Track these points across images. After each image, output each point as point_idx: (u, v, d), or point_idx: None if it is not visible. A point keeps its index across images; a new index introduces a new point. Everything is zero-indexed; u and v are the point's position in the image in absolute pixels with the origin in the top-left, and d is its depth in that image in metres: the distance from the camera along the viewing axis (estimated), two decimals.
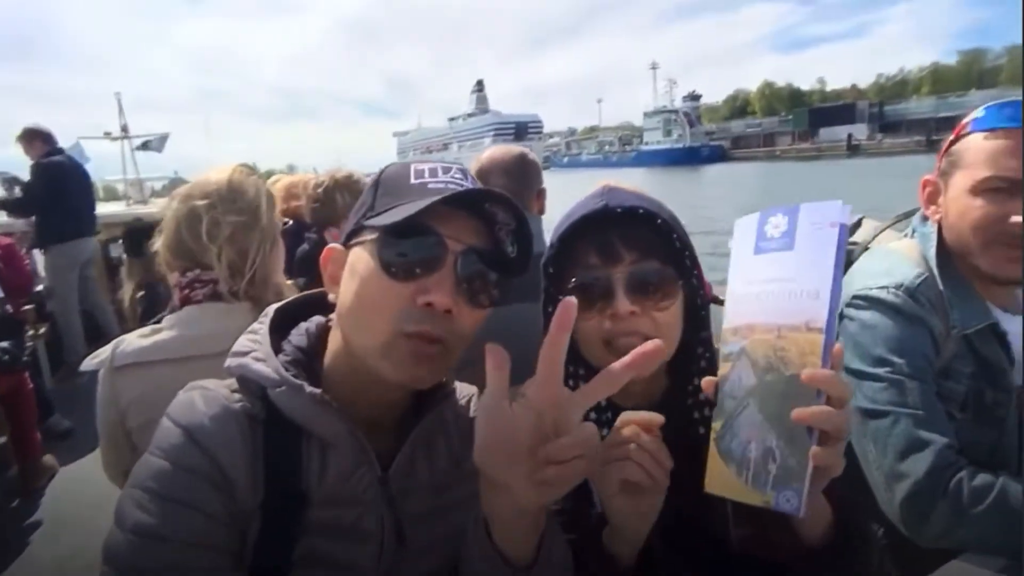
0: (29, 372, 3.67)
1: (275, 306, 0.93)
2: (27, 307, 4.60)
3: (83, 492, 3.23)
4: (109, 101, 9.26)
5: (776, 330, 0.68)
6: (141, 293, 2.64)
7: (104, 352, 1.33)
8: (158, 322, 1.42)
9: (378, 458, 0.84)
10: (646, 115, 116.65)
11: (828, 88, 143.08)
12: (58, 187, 5.01)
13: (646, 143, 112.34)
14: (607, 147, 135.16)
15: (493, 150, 1.93)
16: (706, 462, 0.75)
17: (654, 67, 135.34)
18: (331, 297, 0.88)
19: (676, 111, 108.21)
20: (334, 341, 0.88)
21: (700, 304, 0.97)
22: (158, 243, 1.45)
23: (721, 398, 0.75)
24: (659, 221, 0.91)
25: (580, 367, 0.98)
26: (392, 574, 0.84)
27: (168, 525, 0.71)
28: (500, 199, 0.81)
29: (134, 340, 1.34)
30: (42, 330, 4.77)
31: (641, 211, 0.91)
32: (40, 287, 5.21)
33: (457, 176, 0.84)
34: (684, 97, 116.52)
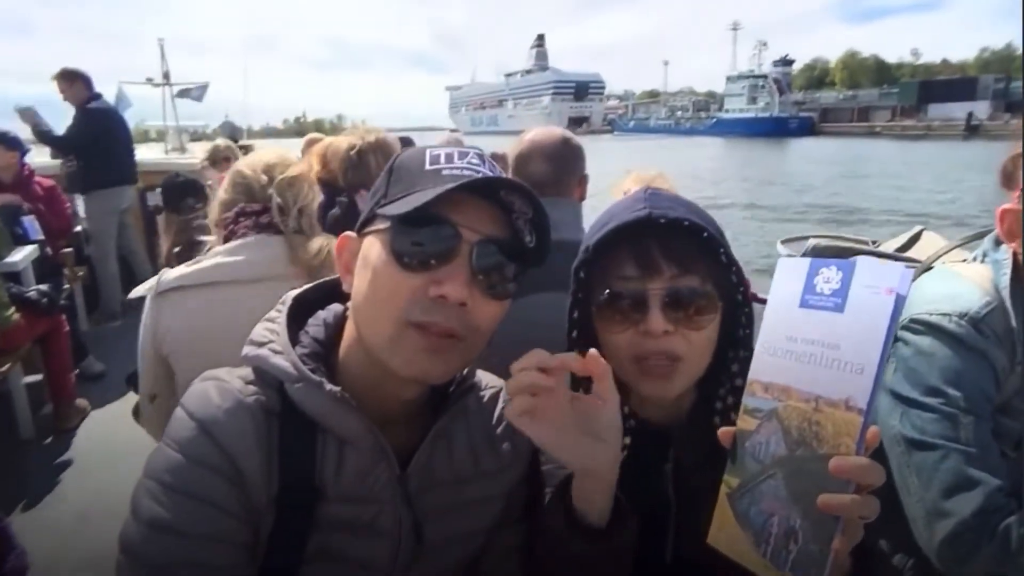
0: (65, 314, 4.00)
1: (292, 293, 0.97)
2: (66, 250, 4.98)
3: (112, 435, 3.59)
4: (155, 46, 9.82)
5: (814, 400, 0.69)
6: (178, 249, 2.86)
7: (151, 281, 1.59)
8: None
9: (396, 454, 0.87)
10: (728, 79, 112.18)
11: (919, 62, 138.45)
12: (102, 134, 5.35)
13: (727, 110, 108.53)
14: (679, 112, 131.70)
15: (534, 133, 1.93)
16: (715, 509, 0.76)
17: (735, 28, 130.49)
18: (345, 287, 0.90)
19: (765, 76, 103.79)
20: (349, 333, 0.90)
21: (745, 321, 0.96)
22: (211, 210, 1.82)
23: (742, 455, 0.75)
24: (705, 234, 0.90)
25: None
26: (408, 570, 0.89)
27: (181, 519, 0.76)
28: (516, 187, 0.82)
29: (179, 269, 1.59)
30: (80, 273, 5.16)
31: (687, 223, 0.89)
32: (79, 228, 5.62)
33: (474, 162, 0.84)
34: (775, 62, 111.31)
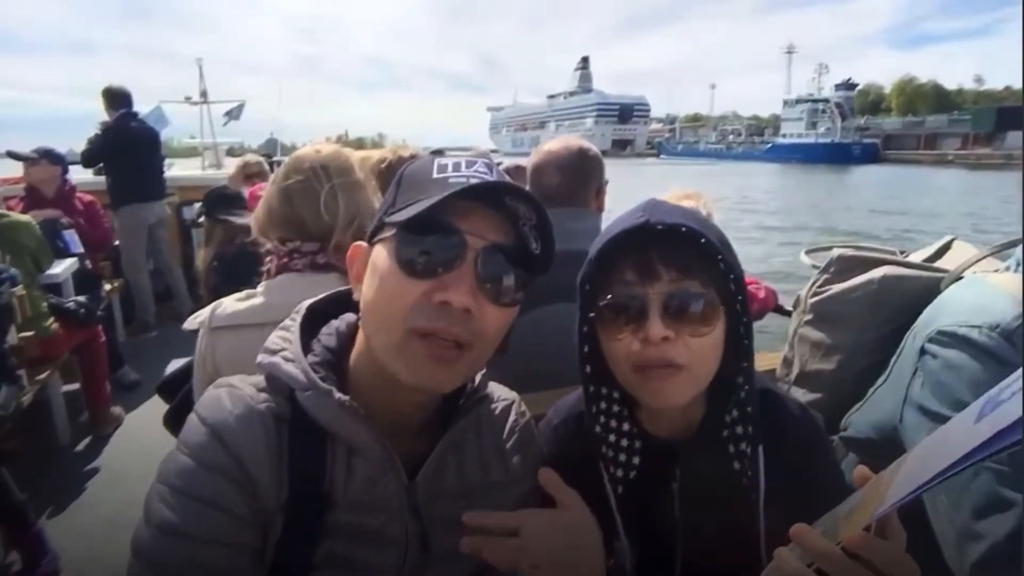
0: (103, 325, 4.28)
1: (307, 303, 1.00)
2: (104, 262, 5.34)
3: (143, 443, 3.79)
4: (210, 64, 10.70)
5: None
6: (216, 263, 3.03)
7: (204, 313, 1.65)
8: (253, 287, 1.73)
9: (405, 463, 0.90)
10: (785, 103, 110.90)
11: (982, 88, 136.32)
12: (125, 151, 5.71)
13: (784, 135, 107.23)
14: (730, 136, 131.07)
15: (551, 144, 2.00)
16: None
17: (790, 51, 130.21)
18: (355, 296, 0.94)
19: (827, 100, 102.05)
20: (359, 342, 0.93)
21: (744, 332, 0.97)
22: (256, 212, 1.74)
23: None
24: (703, 240, 0.92)
25: (614, 389, 1.03)
26: None
27: (191, 523, 0.79)
28: (520, 193, 0.85)
29: (231, 304, 1.63)
30: (117, 284, 5.52)
31: (684, 229, 0.91)
32: (118, 242, 5.96)
33: (481, 170, 0.87)
34: (837, 85, 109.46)
